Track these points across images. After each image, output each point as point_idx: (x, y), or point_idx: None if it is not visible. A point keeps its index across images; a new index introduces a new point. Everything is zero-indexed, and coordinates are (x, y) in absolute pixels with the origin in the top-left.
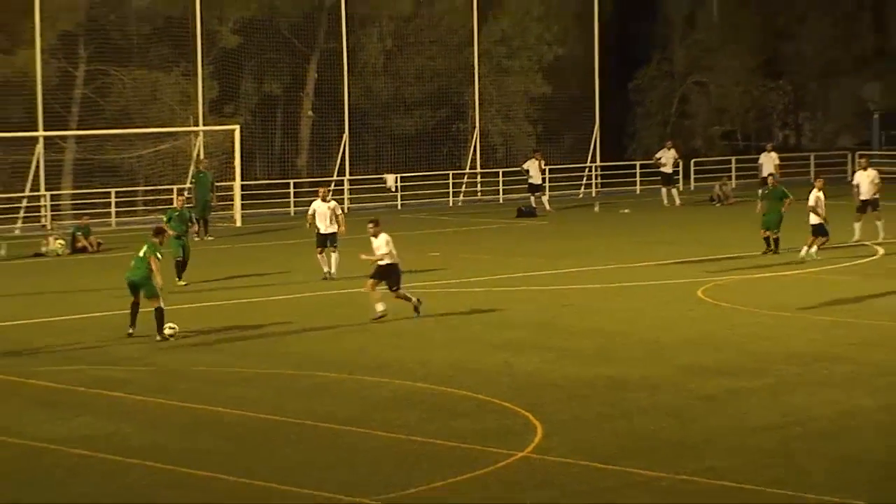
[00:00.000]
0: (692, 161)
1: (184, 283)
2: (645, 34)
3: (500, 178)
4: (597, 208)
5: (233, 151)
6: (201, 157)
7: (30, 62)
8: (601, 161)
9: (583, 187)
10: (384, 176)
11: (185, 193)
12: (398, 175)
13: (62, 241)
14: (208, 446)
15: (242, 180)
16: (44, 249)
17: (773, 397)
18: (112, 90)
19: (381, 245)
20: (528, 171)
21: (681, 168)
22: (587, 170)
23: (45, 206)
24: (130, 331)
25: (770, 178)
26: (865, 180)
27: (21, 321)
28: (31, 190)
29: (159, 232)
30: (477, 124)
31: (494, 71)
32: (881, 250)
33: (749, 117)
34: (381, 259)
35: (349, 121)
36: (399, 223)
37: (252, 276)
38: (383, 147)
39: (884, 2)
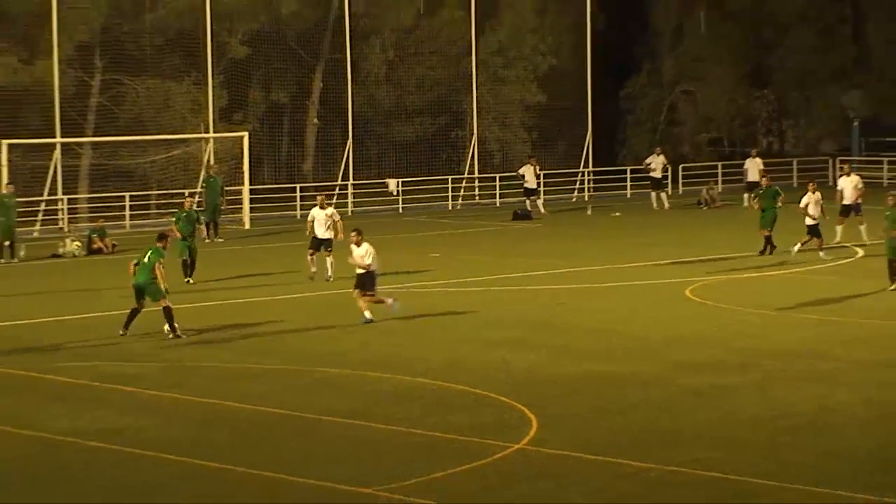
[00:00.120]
0: (680, 166)
1: (191, 282)
2: (635, 45)
3: (497, 183)
4: (589, 211)
5: (241, 157)
6: (212, 162)
7: (48, 72)
8: (593, 166)
9: (576, 191)
10: (386, 180)
11: (196, 197)
12: (400, 179)
13: (79, 243)
14: (218, 439)
15: (251, 185)
16: (61, 251)
17: (758, 392)
18: (126, 99)
19: (363, 253)
20: (523, 176)
21: (669, 173)
22: (580, 175)
23: (62, 209)
24: (122, 332)
25: (764, 179)
26: (849, 185)
27: (39, 319)
28: (49, 194)
29: (162, 237)
30: (475, 131)
31: (491, 80)
32: (861, 252)
33: (735, 124)
34: (366, 266)
35: (353, 128)
36: (400, 226)
37: (259, 275)
38: (385, 153)
39: (863, 15)
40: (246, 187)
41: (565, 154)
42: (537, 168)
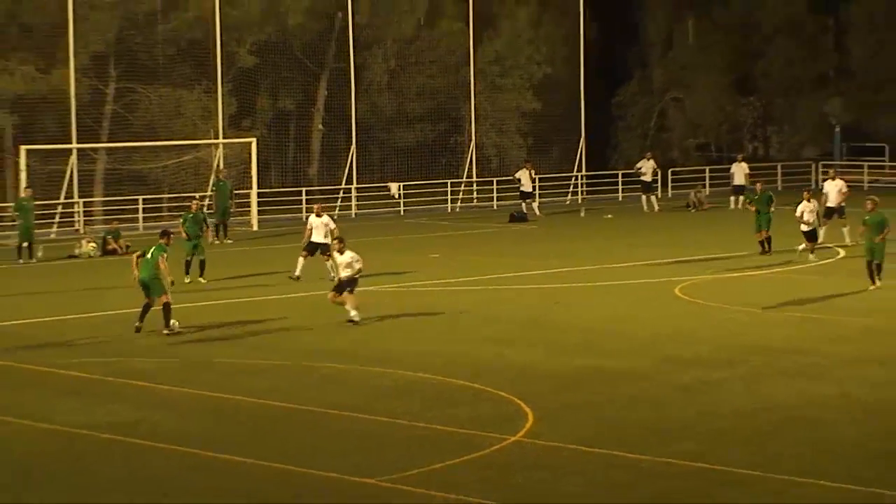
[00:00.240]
0: (669, 170)
1: (204, 282)
2: (626, 55)
3: (494, 186)
4: (582, 213)
5: (250, 162)
6: (221, 167)
7: (64, 80)
8: (586, 170)
9: (570, 194)
10: (388, 184)
11: (207, 200)
12: (401, 183)
13: (94, 244)
14: (229, 432)
15: (259, 188)
16: (77, 252)
17: (745, 387)
18: (139, 106)
19: (348, 260)
20: (519, 180)
21: (659, 177)
22: (573, 178)
23: (78, 212)
24: (138, 324)
25: (758, 184)
26: (833, 189)
27: (55, 317)
28: (66, 197)
29: (165, 234)
30: (473, 137)
31: (489, 88)
32: (842, 252)
33: (722, 130)
34: (354, 272)
35: (356, 134)
36: (402, 227)
37: (266, 275)
38: (387, 158)
39: (844, 25)
40: (254, 191)
41: (559, 159)
42: (533, 172)
